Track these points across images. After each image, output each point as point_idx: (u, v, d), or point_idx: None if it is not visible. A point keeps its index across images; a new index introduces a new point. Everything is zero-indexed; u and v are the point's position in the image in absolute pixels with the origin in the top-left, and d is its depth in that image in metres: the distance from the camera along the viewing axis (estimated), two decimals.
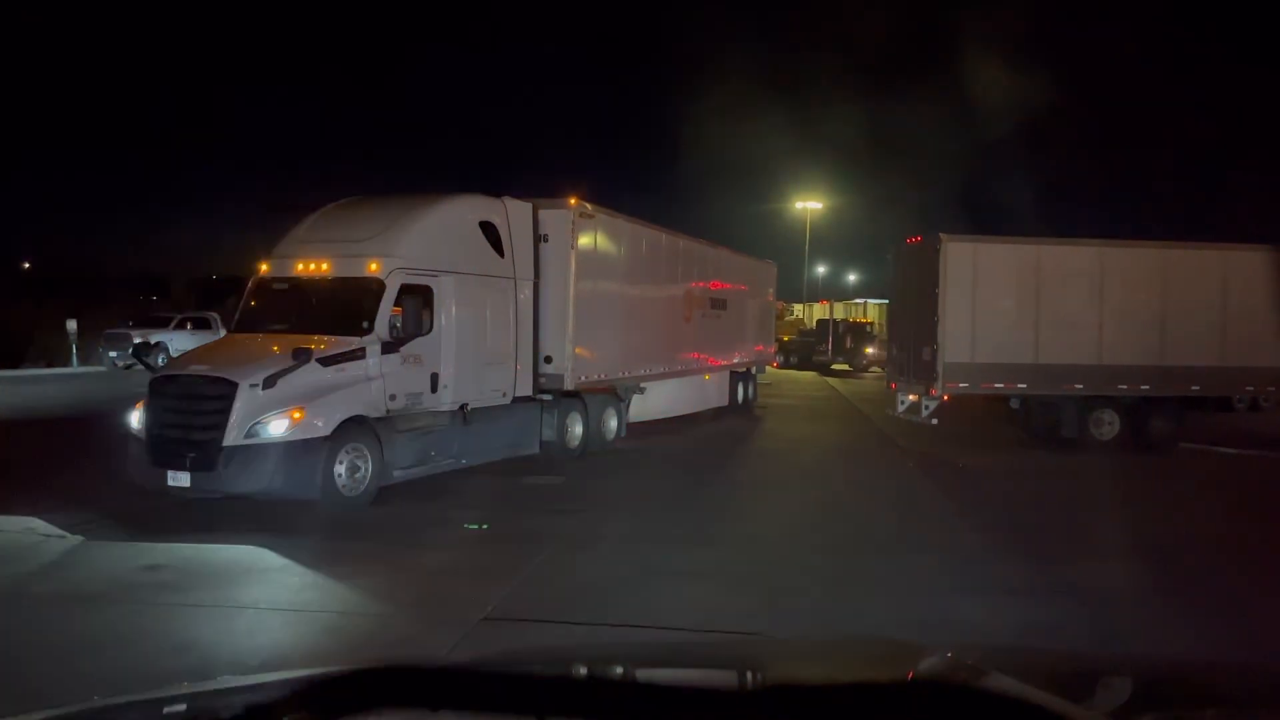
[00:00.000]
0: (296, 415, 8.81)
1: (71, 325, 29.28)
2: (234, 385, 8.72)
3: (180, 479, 8.68)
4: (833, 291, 64.42)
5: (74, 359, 29.25)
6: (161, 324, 29.08)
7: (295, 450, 8.76)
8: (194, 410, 8.90)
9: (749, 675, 2.05)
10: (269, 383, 8.77)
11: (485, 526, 9.07)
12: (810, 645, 2.99)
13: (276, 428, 8.73)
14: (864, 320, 47.43)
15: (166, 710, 1.72)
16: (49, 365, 29.11)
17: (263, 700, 1.55)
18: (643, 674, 2.02)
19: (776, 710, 1.51)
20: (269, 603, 6.40)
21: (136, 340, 26.54)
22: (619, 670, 2.13)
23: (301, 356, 8.90)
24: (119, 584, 6.72)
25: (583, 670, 2.03)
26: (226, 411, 8.65)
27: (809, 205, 50.30)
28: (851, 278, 72.67)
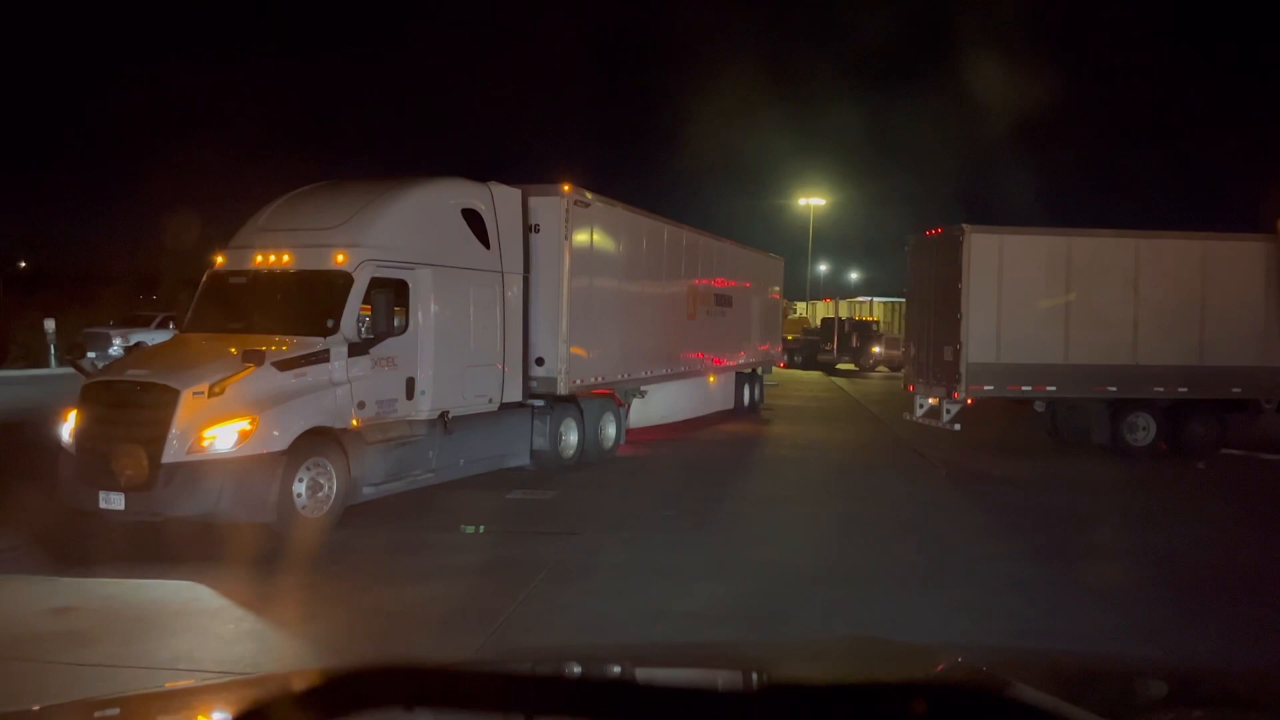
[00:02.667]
0: (248, 427, 7.70)
1: (49, 324, 28.19)
2: (175, 392, 7.61)
3: (113, 500, 7.57)
4: (835, 289, 63.26)
5: (52, 359, 28.16)
6: (143, 323, 28.04)
7: (246, 467, 7.65)
8: (130, 421, 7.78)
9: (748, 676, 2.03)
10: (216, 389, 7.67)
11: (482, 529, 8.66)
12: (812, 646, 2.90)
13: (224, 441, 7.61)
14: (870, 319, 46.37)
15: (164, 707, 1.78)
16: (32, 365, 28.02)
17: (261, 699, 1.53)
18: (643, 674, 2.00)
19: (778, 711, 1.45)
20: (191, 660, 5.29)
21: (115, 341, 25.52)
22: (622, 671, 2.09)
23: (254, 359, 7.79)
24: (15, 633, 5.62)
25: (584, 671, 2.01)
26: (166, 422, 7.54)
27: (812, 201, 49.24)
28: (854, 275, 71.51)
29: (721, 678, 2.02)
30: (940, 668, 1.94)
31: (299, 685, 1.44)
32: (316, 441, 8.19)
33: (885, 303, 55.10)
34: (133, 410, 7.79)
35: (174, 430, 7.52)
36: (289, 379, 8.09)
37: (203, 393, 7.63)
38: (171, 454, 7.49)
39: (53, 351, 28.54)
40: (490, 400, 10.47)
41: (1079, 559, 7.87)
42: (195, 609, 6.18)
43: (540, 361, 11.25)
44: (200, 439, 7.55)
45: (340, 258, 8.79)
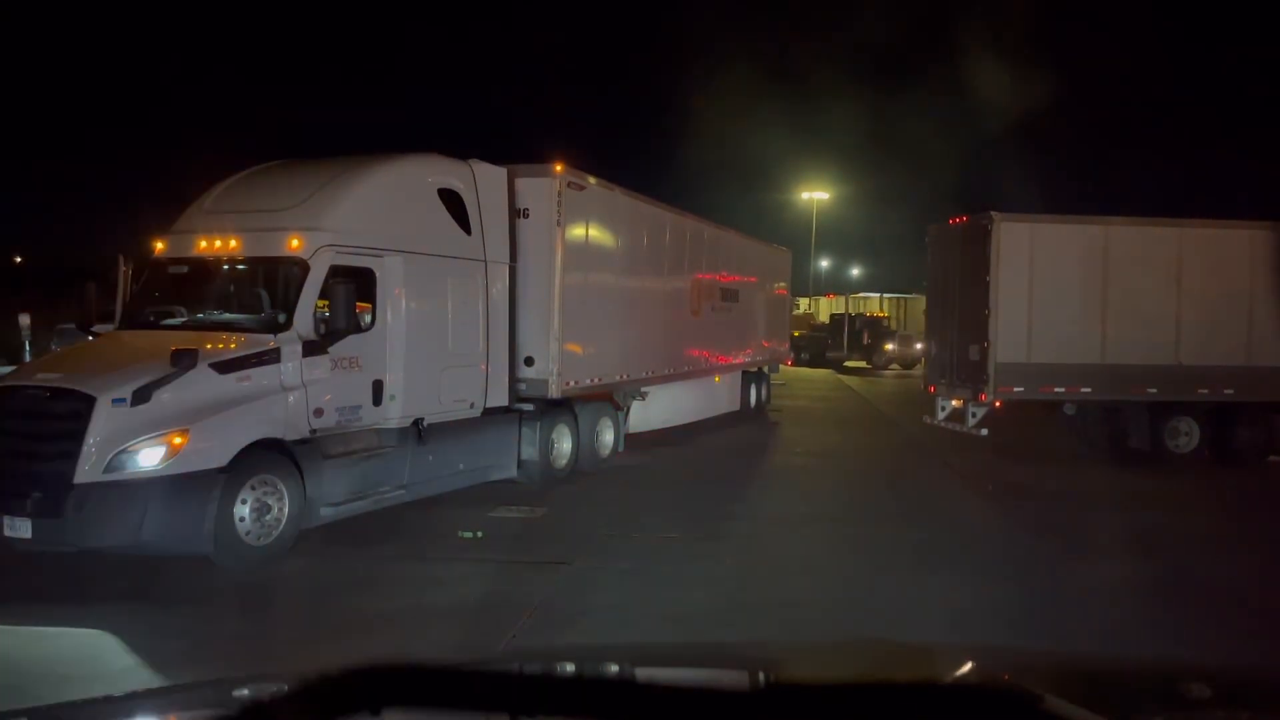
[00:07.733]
0: (178, 440, 6.53)
1: (24, 320, 26.95)
2: (90, 400, 6.44)
3: (19, 527, 6.39)
4: (836, 285, 62.05)
5: (27, 355, 27.01)
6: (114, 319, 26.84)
7: (176, 488, 6.48)
8: (37, 434, 6.63)
9: (752, 676, 1.99)
10: (140, 396, 6.50)
11: (480, 535, 8.07)
12: (813, 647, 2.79)
13: (149, 458, 6.44)
14: (881, 315, 45.07)
15: (164, 706, 1.80)
16: (10, 362, 26.90)
17: (261, 699, 1.50)
18: (643, 674, 1.95)
19: (779, 712, 1.42)
20: None
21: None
22: (623, 671, 2.03)
23: (184, 361, 6.62)
24: None
25: (587, 671, 1.98)
26: (79, 436, 6.38)
27: (815, 196, 48.11)
28: (855, 271, 70.29)
29: (725, 678, 1.97)
30: (959, 671, 1.87)
31: (290, 685, 1.40)
32: (263, 456, 7.04)
33: (890, 298, 53.96)
34: (40, 421, 6.64)
35: (88, 445, 6.36)
36: (229, 383, 6.92)
37: (123, 400, 6.47)
38: (85, 473, 6.33)
39: (28, 347, 27.42)
40: (472, 405, 9.30)
41: (1191, 604, 6.62)
42: (89, 672, 5.00)
43: (529, 361, 10.09)
44: (120, 455, 6.38)
45: (295, 243, 7.63)
